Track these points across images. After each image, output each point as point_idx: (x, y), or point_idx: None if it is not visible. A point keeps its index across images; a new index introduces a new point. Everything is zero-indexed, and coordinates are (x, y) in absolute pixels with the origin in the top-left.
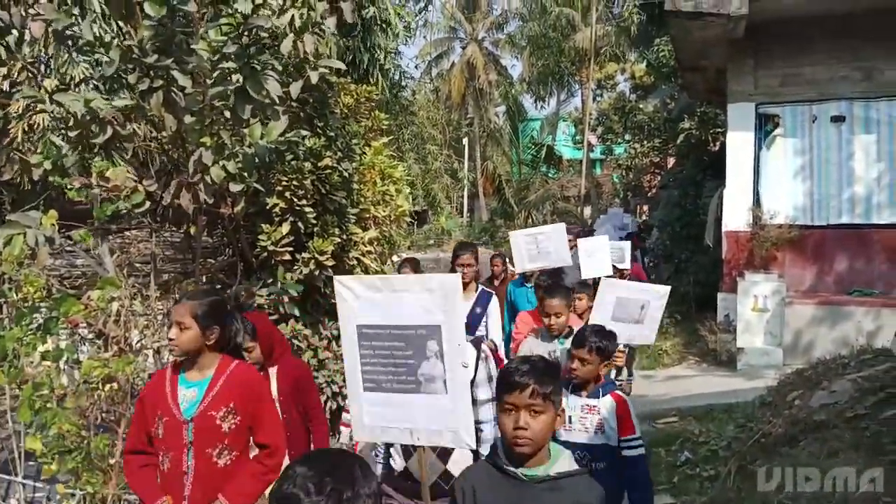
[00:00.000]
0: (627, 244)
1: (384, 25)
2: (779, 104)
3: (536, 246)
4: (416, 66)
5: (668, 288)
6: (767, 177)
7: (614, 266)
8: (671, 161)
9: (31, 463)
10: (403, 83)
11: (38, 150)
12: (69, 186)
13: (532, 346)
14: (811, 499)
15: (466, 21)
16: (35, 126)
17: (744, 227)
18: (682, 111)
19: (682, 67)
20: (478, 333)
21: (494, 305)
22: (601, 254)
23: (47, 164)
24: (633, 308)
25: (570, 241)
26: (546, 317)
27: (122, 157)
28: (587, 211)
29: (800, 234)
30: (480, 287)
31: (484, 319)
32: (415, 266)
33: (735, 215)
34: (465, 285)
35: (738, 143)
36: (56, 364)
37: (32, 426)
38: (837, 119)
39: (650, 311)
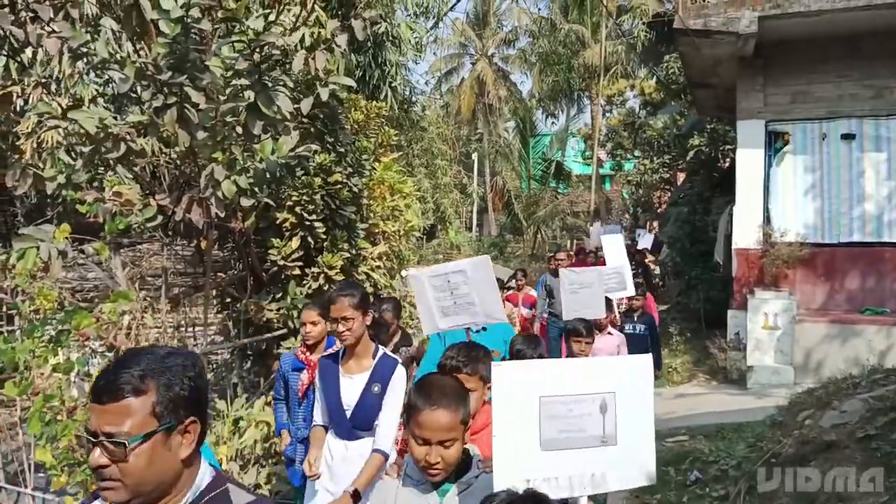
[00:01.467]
0: (626, 265)
1: (395, 41)
2: (788, 121)
3: (451, 293)
4: (426, 83)
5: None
6: (777, 194)
7: (611, 299)
8: (681, 177)
9: (40, 475)
10: (413, 99)
11: (49, 166)
12: (81, 201)
13: (395, 501)
14: None
15: (476, 37)
16: (44, 143)
17: (754, 245)
18: (691, 128)
19: (691, 84)
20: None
21: (399, 380)
22: (591, 289)
23: (61, 179)
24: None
25: (571, 261)
26: (422, 444)
27: (131, 173)
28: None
29: (810, 252)
30: (382, 351)
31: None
32: (323, 306)
33: (745, 233)
34: (351, 347)
35: (748, 160)
36: (66, 376)
37: (42, 438)
38: (847, 137)
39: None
